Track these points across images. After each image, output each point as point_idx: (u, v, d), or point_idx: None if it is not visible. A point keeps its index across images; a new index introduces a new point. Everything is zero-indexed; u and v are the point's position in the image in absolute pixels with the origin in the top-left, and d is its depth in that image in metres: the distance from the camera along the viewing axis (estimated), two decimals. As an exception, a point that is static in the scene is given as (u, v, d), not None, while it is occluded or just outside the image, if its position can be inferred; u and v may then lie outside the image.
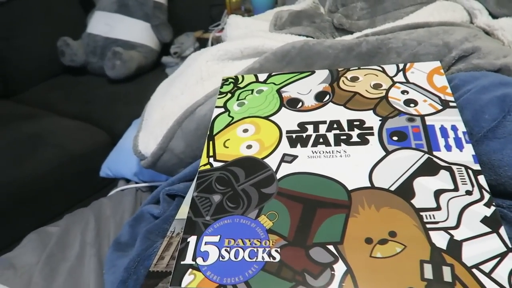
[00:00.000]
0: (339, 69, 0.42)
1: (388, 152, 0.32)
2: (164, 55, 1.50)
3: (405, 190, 0.29)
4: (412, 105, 0.35)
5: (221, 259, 0.27)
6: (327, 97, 0.39)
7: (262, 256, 0.27)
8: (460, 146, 0.31)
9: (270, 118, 0.38)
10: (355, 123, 0.35)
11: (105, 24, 1.43)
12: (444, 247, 0.25)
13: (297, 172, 0.32)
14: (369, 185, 0.30)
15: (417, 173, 0.30)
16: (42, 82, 1.49)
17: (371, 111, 0.36)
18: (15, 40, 1.41)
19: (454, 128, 0.32)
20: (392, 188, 0.29)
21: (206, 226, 0.30)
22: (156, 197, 0.46)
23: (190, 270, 0.27)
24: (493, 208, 0.27)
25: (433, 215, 0.27)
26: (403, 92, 0.37)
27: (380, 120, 0.35)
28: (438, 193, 0.28)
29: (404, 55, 0.45)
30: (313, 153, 0.33)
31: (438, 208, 0.27)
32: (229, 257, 0.27)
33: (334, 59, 0.47)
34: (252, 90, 0.42)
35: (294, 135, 0.35)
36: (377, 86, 0.38)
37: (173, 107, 0.51)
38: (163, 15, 1.46)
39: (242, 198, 0.31)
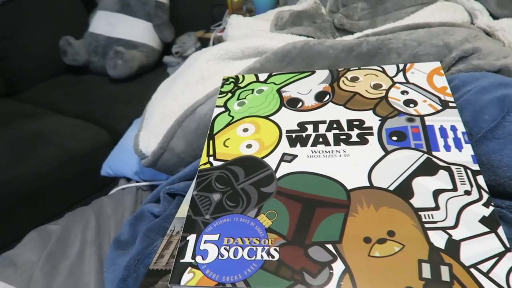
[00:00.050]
0: (339, 69, 0.42)
1: (387, 152, 0.32)
2: (166, 54, 1.51)
3: (404, 190, 0.29)
4: (411, 105, 0.35)
5: (220, 257, 0.27)
6: (327, 97, 0.39)
7: (261, 255, 0.27)
8: (459, 146, 0.31)
9: (270, 117, 0.38)
10: (354, 123, 0.35)
11: (107, 23, 1.43)
12: (443, 247, 0.25)
13: (297, 171, 0.32)
14: (368, 184, 0.30)
15: (416, 173, 0.30)
16: (44, 81, 1.49)
17: (371, 111, 0.36)
18: (17, 39, 1.41)
19: (453, 128, 0.32)
20: (391, 188, 0.29)
21: (206, 225, 0.30)
22: (157, 196, 0.46)
23: (189, 268, 0.27)
24: (491, 208, 0.27)
25: (431, 214, 0.27)
26: (403, 92, 0.37)
27: (379, 120, 0.35)
28: (437, 193, 0.28)
29: (404, 56, 0.45)
30: (312, 152, 0.33)
31: (436, 208, 0.27)
32: (228, 255, 0.27)
33: (334, 59, 0.47)
34: (253, 90, 0.42)
35: (293, 135, 0.35)
36: (377, 86, 0.38)
37: (174, 106, 0.51)
38: (165, 15, 1.46)
39: (242, 197, 0.31)
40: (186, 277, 0.27)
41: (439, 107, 0.35)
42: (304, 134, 0.35)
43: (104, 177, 0.76)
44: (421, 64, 0.40)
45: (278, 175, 0.32)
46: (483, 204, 0.27)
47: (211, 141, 0.37)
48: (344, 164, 0.32)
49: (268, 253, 0.27)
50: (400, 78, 0.39)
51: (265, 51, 0.51)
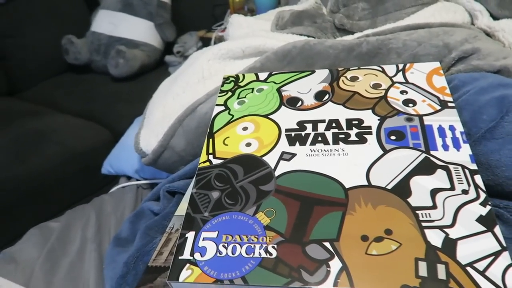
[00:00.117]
0: (339, 69, 0.42)
1: (385, 151, 0.32)
2: (167, 54, 1.51)
3: (402, 189, 0.29)
4: (410, 105, 0.36)
5: (218, 254, 0.28)
6: (327, 96, 0.39)
7: (259, 252, 0.27)
8: (457, 146, 0.31)
9: (270, 116, 0.38)
10: (353, 122, 0.35)
11: (109, 22, 1.44)
12: (439, 245, 0.25)
13: (295, 170, 0.32)
14: (366, 183, 0.30)
15: (414, 172, 0.30)
16: (46, 79, 1.50)
17: (370, 110, 0.36)
18: (20, 38, 1.42)
19: (452, 128, 0.32)
20: (389, 187, 0.29)
21: (205, 222, 0.30)
22: (157, 194, 0.46)
23: (187, 265, 0.27)
24: (488, 207, 0.27)
25: (429, 213, 0.27)
26: (402, 92, 0.37)
27: (378, 119, 0.35)
28: (434, 192, 0.28)
29: (404, 56, 0.45)
30: (311, 151, 0.33)
31: (434, 206, 0.27)
32: (227, 252, 0.28)
33: (334, 59, 0.47)
34: (253, 89, 0.42)
35: (293, 134, 0.36)
36: (376, 86, 0.38)
37: (175, 105, 0.51)
38: (167, 14, 1.47)
39: (241, 195, 0.31)
40: (185, 273, 0.27)
41: (438, 107, 0.35)
42: (303, 133, 0.35)
43: (105, 175, 0.77)
44: (421, 64, 0.40)
45: (277, 173, 0.32)
46: (480, 204, 0.27)
47: (210, 140, 0.37)
48: (342, 163, 0.32)
49: (266, 251, 0.27)
50: (399, 78, 0.39)
51: (266, 50, 0.51)
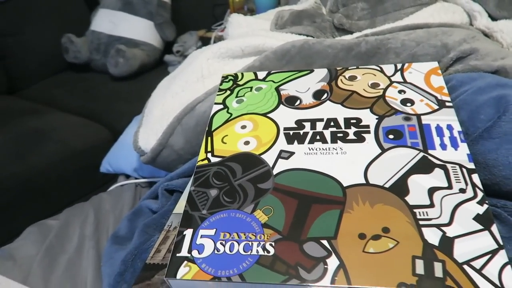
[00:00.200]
0: (338, 68, 0.42)
1: (383, 150, 0.32)
2: (167, 53, 1.51)
3: (400, 187, 0.29)
4: (408, 104, 0.36)
5: (216, 252, 0.28)
6: (325, 95, 0.39)
7: (257, 250, 0.27)
8: (455, 145, 0.31)
9: (268, 115, 0.38)
10: (352, 121, 0.35)
11: (109, 21, 1.44)
12: (436, 244, 0.25)
13: (294, 168, 0.32)
14: (364, 182, 0.30)
15: (412, 171, 0.30)
16: (46, 78, 1.50)
17: (368, 109, 0.36)
18: (20, 36, 1.42)
19: (449, 128, 0.32)
20: (387, 185, 0.29)
21: (202, 220, 0.30)
22: (155, 192, 0.46)
23: (185, 262, 0.28)
24: (486, 206, 0.27)
25: (426, 212, 0.27)
26: (400, 91, 0.37)
27: (376, 118, 0.35)
28: (432, 191, 0.28)
29: (402, 56, 0.45)
30: (309, 150, 0.34)
31: (431, 205, 0.28)
32: (224, 250, 0.28)
33: (333, 59, 0.47)
34: (251, 88, 0.42)
35: (291, 132, 0.36)
36: (374, 85, 0.39)
37: (174, 104, 0.51)
38: (167, 14, 1.47)
39: (239, 193, 0.31)
40: (182, 271, 0.27)
41: (436, 107, 0.35)
42: (301, 132, 0.35)
43: (105, 174, 0.77)
44: (419, 64, 0.40)
45: (275, 171, 0.32)
46: (477, 202, 0.27)
47: (209, 138, 0.37)
48: (340, 161, 0.32)
49: (264, 248, 0.27)
50: (397, 77, 0.39)
51: (265, 49, 0.51)
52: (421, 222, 0.27)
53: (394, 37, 0.46)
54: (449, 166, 0.30)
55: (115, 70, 1.35)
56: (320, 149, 0.33)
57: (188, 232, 0.29)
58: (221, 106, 0.41)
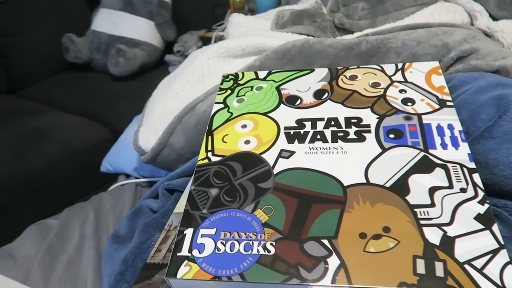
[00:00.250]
0: (338, 68, 0.42)
1: (384, 150, 0.32)
2: (168, 53, 1.51)
3: (400, 187, 0.29)
4: (409, 103, 0.36)
5: (216, 251, 0.28)
6: (326, 94, 0.39)
7: (257, 249, 0.27)
8: (456, 145, 0.31)
9: (269, 114, 0.38)
10: (352, 120, 0.35)
11: (109, 21, 1.44)
12: (437, 243, 0.25)
13: (294, 167, 0.32)
14: (364, 181, 0.30)
15: (412, 170, 0.30)
16: (46, 78, 1.50)
17: (369, 109, 0.36)
18: (20, 36, 1.42)
19: (450, 127, 0.32)
20: (388, 185, 0.29)
21: (203, 219, 0.30)
22: (155, 191, 0.46)
23: (186, 261, 0.27)
24: (486, 205, 0.27)
25: (427, 211, 0.27)
26: (401, 91, 0.37)
27: (377, 118, 0.35)
28: (432, 190, 0.28)
29: (403, 55, 0.45)
30: (310, 149, 0.33)
31: (432, 205, 0.28)
32: (225, 249, 0.28)
33: (334, 58, 0.47)
34: (252, 87, 0.42)
35: (292, 131, 0.36)
36: (375, 85, 0.39)
37: (174, 103, 0.51)
38: (168, 14, 1.47)
39: (239, 192, 0.31)
40: (183, 270, 0.27)
41: (437, 106, 0.35)
42: (302, 131, 0.35)
43: (105, 174, 0.76)
44: (420, 64, 0.40)
45: (275, 171, 0.32)
46: (478, 202, 0.27)
47: (209, 137, 0.37)
48: (341, 160, 0.32)
49: (264, 248, 0.27)
50: (398, 77, 0.39)
51: (265, 49, 0.51)
52: (422, 222, 0.27)
53: (394, 37, 0.46)
54: (450, 165, 0.30)
55: (116, 70, 1.35)
56: (320, 148, 0.33)
57: (189, 232, 0.29)
58: (222, 106, 0.41)
